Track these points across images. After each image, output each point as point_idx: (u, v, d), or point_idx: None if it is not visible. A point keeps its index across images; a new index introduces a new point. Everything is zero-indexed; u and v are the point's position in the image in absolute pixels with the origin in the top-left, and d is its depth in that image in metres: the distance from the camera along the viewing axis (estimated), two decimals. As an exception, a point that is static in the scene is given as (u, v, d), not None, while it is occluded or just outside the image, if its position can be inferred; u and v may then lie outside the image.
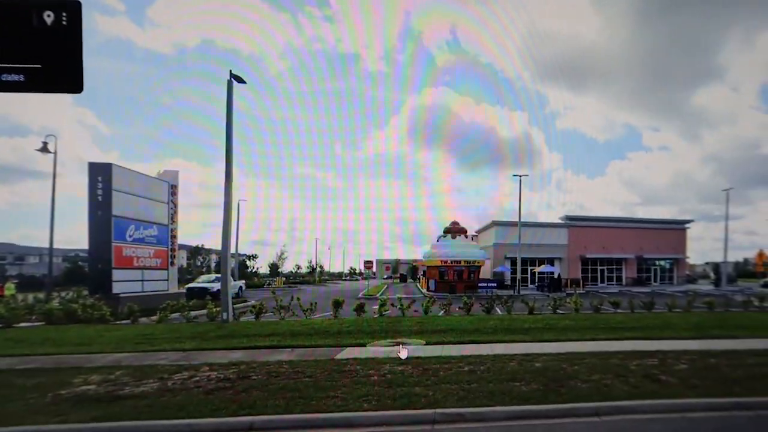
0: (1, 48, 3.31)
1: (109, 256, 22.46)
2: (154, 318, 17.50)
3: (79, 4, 3.43)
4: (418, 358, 9.73)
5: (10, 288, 30.66)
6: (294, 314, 17.50)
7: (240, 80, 17.93)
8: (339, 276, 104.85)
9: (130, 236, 23.89)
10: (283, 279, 66.95)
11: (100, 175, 22.36)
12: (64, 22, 3.36)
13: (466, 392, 7.23)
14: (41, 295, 25.27)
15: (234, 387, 7.74)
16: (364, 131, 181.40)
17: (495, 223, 54.88)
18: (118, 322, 17.41)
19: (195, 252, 74.35)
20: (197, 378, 8.39)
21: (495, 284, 42.12)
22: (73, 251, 76.20)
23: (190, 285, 32.88)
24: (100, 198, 22.27)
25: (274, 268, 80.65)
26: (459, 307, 19.09)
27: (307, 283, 67.26)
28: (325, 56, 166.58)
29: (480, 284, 42.34)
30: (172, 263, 28.39)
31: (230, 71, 17.74)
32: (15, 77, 3.32)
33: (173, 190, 28.58)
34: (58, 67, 3.39)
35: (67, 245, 71.59)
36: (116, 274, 22.54)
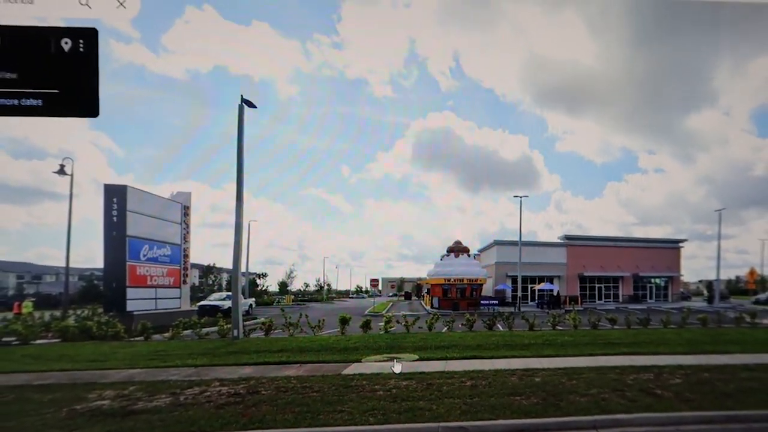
0: (20, 74, 3.34)
1: (123, 274, 22.58)
2: (166, 335, 17.48)
3: (96, 31, 3.47)
4: (422, 373, 9.68)
5: (27, 306, 30.59)
6: (302, 331, 17.46)
7: (251, 105, 18.18)
8: (346, 294, 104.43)
9: (144, 255, 24.03)
10: (292, 297, 66.76)
11: (115, 196, 22.61)
12: (81, 49, 3.40)
13: (469, 406, 7.22)
14: (57, 313, 25.25)
15: (244, 402, 7.74)
16: (371, 154, 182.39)
17: (496, 243, 54.67)
18: (132, 339, 17.40)
19: (207, 271, 74.33)
20: (208, 393, 8.41)
21: (496, 302, 42.02)
22: (88, 270, 76.15)
23: (202, 303, 32.84)
24: (115, 219, 22.48)
25: (283, 286, 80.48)
26: (462, 324, 19.01)
27: (315, 300, 67.11)
28: (333, 82, 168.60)
29: (482, 301, 42.10)
30: (185, 282, 28.40)
31: (241, 96, 18.01)
32: (33, 102, 3.35)
33: (186, 210, 28.70)
34: (75, 92, 3.42)
35: (83, 264, 71.93)
36: (130, 293, 22.61)
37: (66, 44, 3.33)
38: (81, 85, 3.34)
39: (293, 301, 60.46)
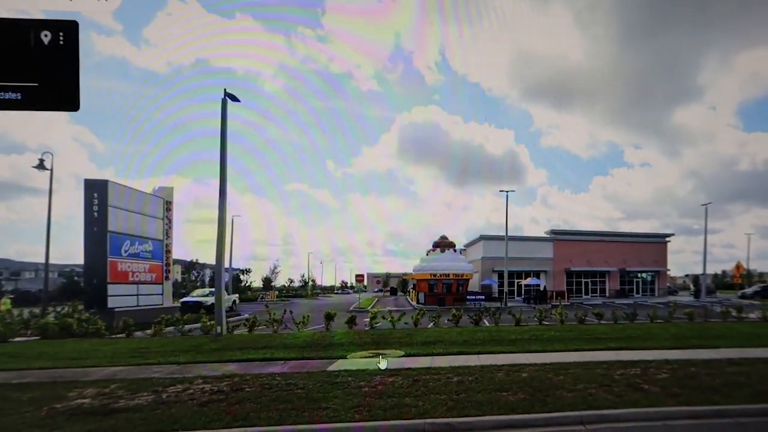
0: None
1: (104, 271, 22.32)
2: (149, 332, 17.32)
3: (76, 24, 3.37)
4: (408, 369, 9.66)
5: (5, 303, 30.01)
6: (287, 327, 17.37)
7: (234, 99, 17.94)
8: (331, 289, 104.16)
9: (125, 251, 23.76)
10: (276, 293, 66.45)
11: (96, 191, 22.29)
12: (61, 42, 3.30)
13: (455, 402, 7.18)
14: (37, 310, 24.82)
15: (228, 399, 7.64)
16: (356, 148, 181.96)
17: (483, 237, 54.89)
18: (113, 336, 17.23)
19: (190, 267, 73.70)
20: (191, 390, 8.30)
21: (483, 297, 42.01)
22: (68, 266, 74.98)
23: (185, 299, 32.61)
24: (96, 214, 22.18)
25: (267, 282, 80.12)
26: (448, 320, 19.03)
27: (300, 296, 66.88)
28: (317, 76, 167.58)
29: (468, 297, 42.12)
30: (167, 278, 28.15)
31: (224, 90, 17.79)
32: (12, 95, 3.25)
33: (168, 206, 28.46)
34: (55, 85, 3.33)
35: (63, 260, 70.24)
36: (111, 289, 22.38)
37: (46, 37, 3.25)
38: (61, 78, 3.26)
39: (277, 297, 60.17)
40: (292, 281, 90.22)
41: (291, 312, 18.07)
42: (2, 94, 3.17)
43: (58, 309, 23.81)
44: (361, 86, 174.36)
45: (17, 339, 16.80)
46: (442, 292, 43.34)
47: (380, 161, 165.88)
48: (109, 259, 22.52)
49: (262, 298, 54.66)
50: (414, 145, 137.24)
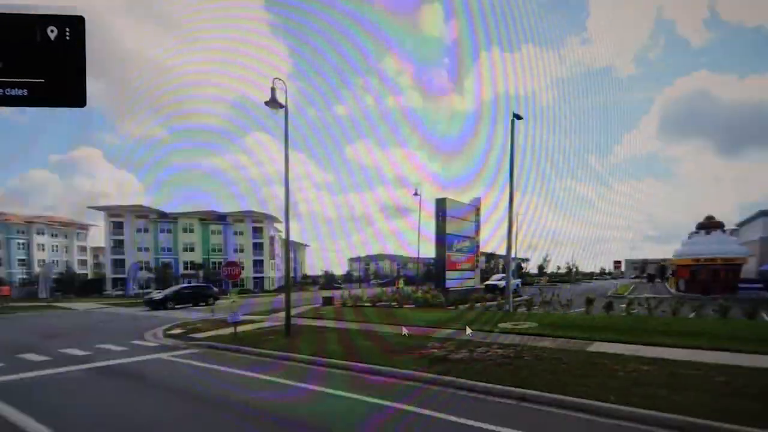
0: (4, 63, 2.28)
1: (444, 261, 22.97)
2: (466, 305, 17.47)
3: (83, 19, 2.37)
4: (664, 360, 7.03)
5: (401, 283, 33.18)
6: (554, 308, 15.16)
7: (519, 117, 15.88)
8: (590, 276, 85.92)
9: (454, 248, 24.24)
10: (547, 278, 59.10)
11: (440, 206, 22.71)
12: (67, 37, 2.31)
13: (721, 405, 4.74)
14: (409, 288, 28.48)
15: (513, 363, 7.07)
16: (615, 137, 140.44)
17: (763, 213, 33.52)
18: (447, 307, 17.69)
19: (490, 257, 73.84)
20: (490, 353, 7.89)
21: (761, 285, 26.39)
22: (430, 259, 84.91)
23: (487, 282, 32.18)
24: (440, 221, 22.39)
25: (540, 269, 72.67)
26: (713, 310, 12.77)
27: (565, 281, 57.76)
28: (582, 77, 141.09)
29: (740, 285, 26.80)
30: (477, 266, 27.82)
31: (513, 113, 15.77)
32: (19, 92, 2.31)
33: (477, 211, 27.62)
34: (61, 81, 2.34)
35: (427, 255, 79.14)
36: (447, 274, 23.14)
37: (52, 32, 2.27)
38: (68, 75, 2.30)
39: (548, 281, 53.57)
40: (559, 268, 79.14)
41: (558, 295, 15.81)
42: (8, 90, 2.25)
43: (422, 287, 27.17)
44: (620, 75, 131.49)
45: (405, 306, 18.27)
46: (706, 279, 28.28)
47: (640, 145, 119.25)
48: (447, 253, 22.83)
49: (537, 282, 49.70)
50: (676, 120, 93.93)
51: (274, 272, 56.46)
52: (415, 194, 26.41)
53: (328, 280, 66.68)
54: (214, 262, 51.68)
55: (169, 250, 53.01)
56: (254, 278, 53.30)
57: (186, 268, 52.10)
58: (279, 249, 58.62)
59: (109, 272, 52.02)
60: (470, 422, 4.81)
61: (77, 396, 6.52)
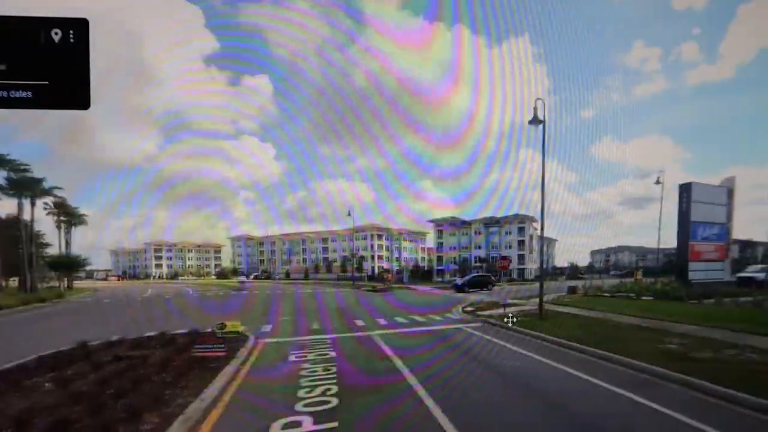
0: (9, 65, 2.31)
1: (686, 251, 20.53)
2: (710, 300, 14.90)
3: (87, 21, 2.39)
4: None
5: (638, 274, 30.08)
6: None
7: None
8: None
9: (700, 236, 21.25)
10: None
11: (684, 191, 20.80)
12: (71, 40, 2.35)
13: None
14: (648, 280, 25.26)
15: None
16: None
17: None
18: (690, 301, 15.63)
19: (745, 245, 52.30)
20: (742, 357, 6.96)
21: None
22: (670, 249, 68.77)
23: (740, 274, 24.45)
24: (683, 207, 20.71)
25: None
26: None
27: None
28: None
29: None
30: (727, 255, 22.52)
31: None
32: (23, 94, 2.32)
33: (730, 193, 22.70)
34: (66, 84, 2.39)
35: (667, 245, 63.74)
36: (690, 266, 20.38)
37: (56, 35, 2.31)
38: (72, 77, 2.35)
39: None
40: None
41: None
42: (13, 92, 2.28)
43: (662, 280, 23.87)
44: None
45: (643, 297, 17.29)
46: None
47: None
48: (690, 242, 20.54)
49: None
50: None
51: (532, 264, 64.27)
52: (657, 182, 24.36)
53: (573, 271, 67.16)
54: (492, 257, 63.81)
55: (465, 248, 68.77)
56: (518, 269, 63.27)
57: (475, 261, 66.33)
58: (536, 244, 64.72)
59: (434, 265, 71.19)
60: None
61: (409, 340, 10.17)
